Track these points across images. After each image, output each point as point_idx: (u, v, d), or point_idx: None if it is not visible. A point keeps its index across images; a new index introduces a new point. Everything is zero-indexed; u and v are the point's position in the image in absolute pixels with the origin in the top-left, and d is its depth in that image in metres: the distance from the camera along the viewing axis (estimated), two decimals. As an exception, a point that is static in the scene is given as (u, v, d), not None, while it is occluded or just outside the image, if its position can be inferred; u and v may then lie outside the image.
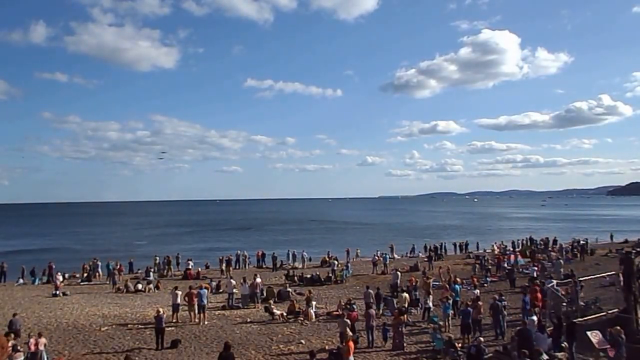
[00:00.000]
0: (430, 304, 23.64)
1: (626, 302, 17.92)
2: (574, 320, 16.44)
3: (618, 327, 15.06)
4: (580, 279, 24.25)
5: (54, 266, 40.85)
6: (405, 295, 24.63)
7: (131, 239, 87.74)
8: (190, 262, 41.51)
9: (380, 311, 25.11)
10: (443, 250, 52.42)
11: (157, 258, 44.10)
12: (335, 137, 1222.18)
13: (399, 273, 31.31)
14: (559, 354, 15.48)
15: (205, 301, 23.60)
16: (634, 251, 28.68)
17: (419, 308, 24.93)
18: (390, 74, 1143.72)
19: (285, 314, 24.20)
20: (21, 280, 38.65)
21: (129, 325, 22.47)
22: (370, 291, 28.42)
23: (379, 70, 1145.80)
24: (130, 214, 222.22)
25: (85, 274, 39.88)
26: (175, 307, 23.54)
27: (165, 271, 41.90)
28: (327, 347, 18.25)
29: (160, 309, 20.15)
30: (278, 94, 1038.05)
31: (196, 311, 23.35)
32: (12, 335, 16.77)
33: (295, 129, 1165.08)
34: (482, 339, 17.19)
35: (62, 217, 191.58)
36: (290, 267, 44.78)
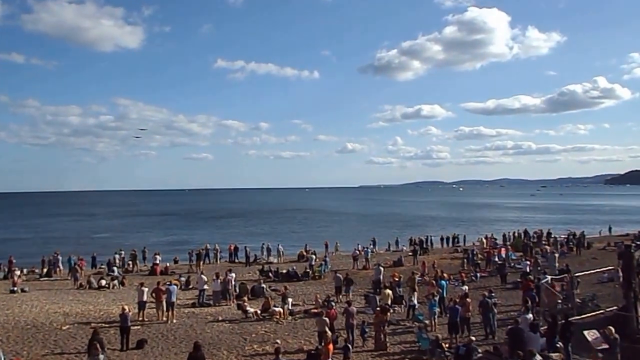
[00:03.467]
0: (415, 301, 23.66)
1: (625, 299, 18.02)
2: (570, 319, 16.50)
3: (611, 327, 15.21)
4: (577, 274, 24.38)
5: (14, 261, 40.18)
6: (388, 291, 24.66)
7: (94, 231, 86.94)
8: (157, 256, 41.08)
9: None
10: (429, 244, 52.52)
11: (122, 252, 43.76)
12: (312, 122, 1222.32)
13: (381, 268, 31.40)
14: (554, 355, 15.58)
15: (174, 298, 23.41)
16: (633, 244, 29.10)
17: (403, 305, 25.01)
18: (370, 54, 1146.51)
19: (259, 311, 24.15)
20: (-28, 276, 38.07)
21: (92, 324, 22.12)
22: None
23: (358, 51, 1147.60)
24: (93, 204, 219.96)
25: (45, 269, 39.35)
26: (142, 305, 23.35)
27: (131, 266, 41.50)
28: (304, 348, 18.27)
29: (126, 307, 19.89)
30: (250, 76, 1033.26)
31: (164, 309, 23.22)
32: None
33: (269, 114, 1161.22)
34: (473, 338, 17.30)
35: (20, 207, 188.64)
36: (264, 261, 44.74)
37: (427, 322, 21.19)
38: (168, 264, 41.73)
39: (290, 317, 23.68)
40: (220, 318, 23.92)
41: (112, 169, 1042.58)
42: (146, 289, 23.82)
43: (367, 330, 19.47)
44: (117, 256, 42.36)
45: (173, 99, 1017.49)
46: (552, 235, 52.43)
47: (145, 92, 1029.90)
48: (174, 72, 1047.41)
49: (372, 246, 50.00)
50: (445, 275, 28.95)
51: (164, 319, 23.04)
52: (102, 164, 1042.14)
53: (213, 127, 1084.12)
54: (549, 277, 24.35)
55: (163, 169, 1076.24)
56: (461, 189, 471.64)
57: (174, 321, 22.84)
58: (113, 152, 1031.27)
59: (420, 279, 30.61)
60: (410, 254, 44.85)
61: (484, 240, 51.37)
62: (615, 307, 19.47)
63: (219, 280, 27.97)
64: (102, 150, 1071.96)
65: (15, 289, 31.90)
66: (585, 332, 16.27)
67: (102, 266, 41.62)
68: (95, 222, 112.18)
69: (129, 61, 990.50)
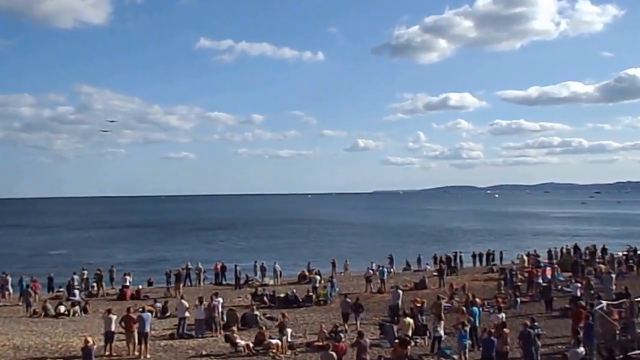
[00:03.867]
0: (442, 332, 23.53)
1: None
2: (630, 353, 16.43)
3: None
4: (638, 299, 24.23)
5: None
6: (409, 320, 24.36)
7: (51, 246, 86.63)
8: (127, 277, 41.05)
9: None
10: (458, 262, 52.81)
11: (85, 272, 43.72)
12: (315, 114, 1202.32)
13: (400, 292, 31.22)
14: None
15: (148, 328, 23.36)
16: None
17: (426, 337, 24.87)
18: (386, 32, 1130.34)
19: (251, 344, 24.02)
20: None
21: (48, 360, 22.20)
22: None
23: (372, 28, 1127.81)
24: (49, 213, 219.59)
25: (-10, 293, 39.52)
26: (109, 336, 23.22)
27: (96, 289, 41.58)
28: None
29: (89, 339, 19.89)
30: (240, 58, 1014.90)
31: (136, 341, 23.03)
32: None
33: (263, 104, 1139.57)
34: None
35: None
36: (258, 283, 44.79)
37: (455, 357, 21.12)
38: (140, 287, 41.64)
39: (289, 352, 23.53)
40: (204, 352, 23.77)
41: (73, 171, 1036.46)
42: (114, 317, 23.69)
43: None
44: (77, 277, 41.99)
45: (147, 86, 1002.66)
46: (608, 252, 51.78)
47: (113, 78, 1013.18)
48: (147, 54, 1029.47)
49: (388, 265, 50.30)
50: (477, 300, 28.70)
51: (136, 353, 22.88)
52: (60, 165, 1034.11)
53: (195, 120, 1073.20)
54: (604, 303, 24.09)
55: (134, 171, 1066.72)
56: (497, 196, 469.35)
57: (148, 356, 22.72)
58: (74, 150, 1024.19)
59: (447, 304, 30.43)
60: (435, 274, 44.79)
61: (525, 258, 50.99)
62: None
63: (203, 307, 27.67)
64: (60, 148, 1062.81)
65: (-44, 317, 31.90)
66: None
67: (61, 289, 41.60)
68: (53, 235, 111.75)
69: (93, 40, 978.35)
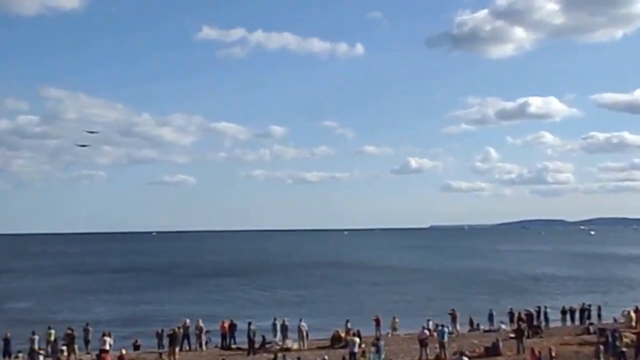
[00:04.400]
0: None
1: None
2: None
3: None
4: None
5: None
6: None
7: (8, 297, 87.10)
8: (107, 338, 40.66)
9: None
10: (542, 320, 52.29)
11: (53, 331, 43.42)
12: (353, 126, 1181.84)
13: (465, 358, 31.00)
14: None
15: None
16: None
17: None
18: (445, 17, 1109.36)
19: None
20: None
21: None
22: None
23: (426, 12, 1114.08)
24: (5, 253, 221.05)
25: None
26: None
27: (66, 354, 41.36)
28: None
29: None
30: (255, 52, 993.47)
31: None
32: None
33: (285, 112, 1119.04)
34: None
35: None
36: (278, 347, 44.53)
37: None
38: (124, 351, 41.27)
39: None
40: None
41: (37, 199, 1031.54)
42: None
43: None
44: (36, 337, 41.58)
45: (133, 89, 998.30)
46: None
47: (89, 78, 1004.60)
48: (134, 47, 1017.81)
49: (450, 323, 49.80)
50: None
51: None
52: (20, 192, 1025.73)
53: (196, 134, 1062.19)
54: None
55: (117, 199, 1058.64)
56: (593, 232, 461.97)
57: None
58: (38, 173, 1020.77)
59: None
60: (512, 336, 44.36)
61: (633, 315, 50.11)
62: None
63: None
64: (20, 170, 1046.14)
65: None
66: None
67: (20, 354, 41.61)
68: (10, 282, 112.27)
69: (64, 30, 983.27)
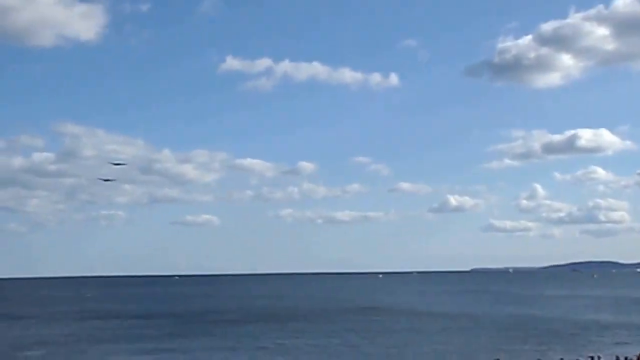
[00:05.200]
0: None
1: None
2: None
3: None
4: None
5: None
6: None
7: (22, 345, 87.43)
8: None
9: None
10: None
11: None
12: (387, 161, 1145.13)
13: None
14: None
15: None
16: None
17: None
18: (486, 45, 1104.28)
19: None
20: None
21: None
22: None
23: (466, 39, 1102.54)
24: (20, 299, 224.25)
25: None
26: None
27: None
28: None
29: None
30: (282, 84, 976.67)
31: None
32: None
33: (314, 148, 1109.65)
34: None
35: None
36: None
37: None
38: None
39: None
40: None
41: (52, 241, 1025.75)
42: None
43: None
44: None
45: (153, 124, 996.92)
46: None
47: (108, 114, 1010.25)
48: (154, 80, 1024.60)
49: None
50: None
51: None
52: (35, 234, 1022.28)
53: (220, 171, 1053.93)
54: None
55: (136, 241, 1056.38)
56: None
57: None
58: (54, 213, 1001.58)
59: None
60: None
61: None
62: None
63: None
64: (35, 210, 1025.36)
65: None
66: None
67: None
68: (25, 330, 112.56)
69: (80, 62, 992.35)
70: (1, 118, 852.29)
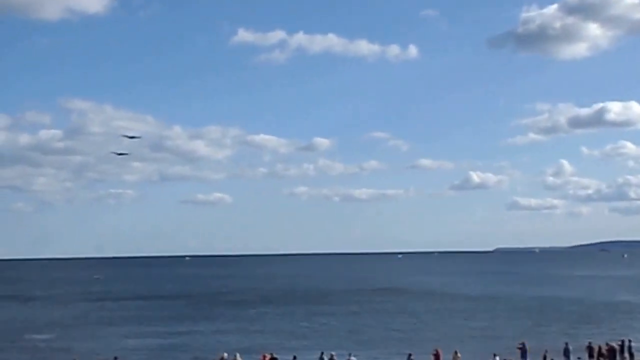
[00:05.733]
0: None
1: None
2: None
3: None
4: None
5: None
6: None
7: (30, 328, 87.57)
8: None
9: None
10: (627, 355, 51.19)
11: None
12: (406, 137, 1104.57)
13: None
14: None
15: None
16: None
17: None
18: (509, 14, 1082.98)
19: None
20: None
21: None
22: None
23: (488, 9, 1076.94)
24: (27, 280, 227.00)
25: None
26: None
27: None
28: None
29: None
30: (296, 56, 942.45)
31: None
32: None
33: (330, 123, 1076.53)
34: None
35: None
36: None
37: None
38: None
39: None
40: None
41: (60, 221, 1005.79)
42: None
43: None
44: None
45: (164, 99, 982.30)
46: None
47: (116, 89, 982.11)
48: (163, 54, 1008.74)
49: (519, 359, 50.06)
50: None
51: None
52: (42, 213, 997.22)
53: (232, 147, 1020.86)
54: None
55: (146, 220, 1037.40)
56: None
57: None
58: (61, 192, 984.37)
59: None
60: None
61: None
62: None
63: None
64: (42, 189, 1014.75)
65: None
66: None
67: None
68: (32, 312, 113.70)
69: (88, 36, 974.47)
70: (7, 94, 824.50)
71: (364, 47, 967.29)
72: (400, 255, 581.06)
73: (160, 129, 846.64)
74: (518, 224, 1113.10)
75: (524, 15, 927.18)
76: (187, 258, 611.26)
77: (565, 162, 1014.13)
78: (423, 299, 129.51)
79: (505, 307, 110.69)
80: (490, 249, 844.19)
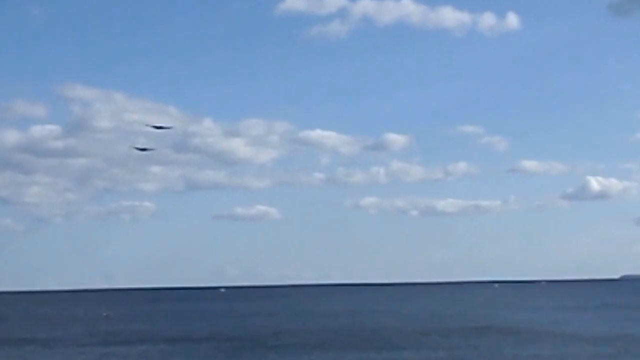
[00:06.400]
0: None
1: None
2: None
3: None
4: None
5: None
6: None
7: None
8: None
9: None
10: None
11: None
12: (504, 132, 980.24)
13: None
14: None
15: None
16: None
17: None
18: None
19: None
20: None
21: None
22: None
23: None
24: (20, 317, 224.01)
25: None
26: None
27: None
28: None
29: None
30: (361, 29, 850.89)
31: None
32: None
33: (407, 115, 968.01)
34: None
35: None
36: None
37: None
38: None
39: None
40: None
41: (59, 242, 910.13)
42: None
43: None
44: None
45: (190, 85, 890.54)
46: None
47: (129, 72, 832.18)
48: (191, 28, 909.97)
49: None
50: None
51: None
52: (36, 233, 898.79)
53: (281, 147, 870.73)
54: None
55: (169, 242, 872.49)
56: None
57: None
58: (60, 205, 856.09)
59: None
60: None
61: None
62: None
63: None
64: (35, 201, 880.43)
65: None
66: None
67: None
68: (29, 355, 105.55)
69: (93, 5, 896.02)
70: None
71: (449, 16, 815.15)
72: (497, 285, 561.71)
73: (187, 123, 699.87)
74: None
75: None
76: (222, 290, 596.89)
77: None
78: (529, 341, 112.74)
79: (637, 352, 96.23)
80: (615, 276, 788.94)
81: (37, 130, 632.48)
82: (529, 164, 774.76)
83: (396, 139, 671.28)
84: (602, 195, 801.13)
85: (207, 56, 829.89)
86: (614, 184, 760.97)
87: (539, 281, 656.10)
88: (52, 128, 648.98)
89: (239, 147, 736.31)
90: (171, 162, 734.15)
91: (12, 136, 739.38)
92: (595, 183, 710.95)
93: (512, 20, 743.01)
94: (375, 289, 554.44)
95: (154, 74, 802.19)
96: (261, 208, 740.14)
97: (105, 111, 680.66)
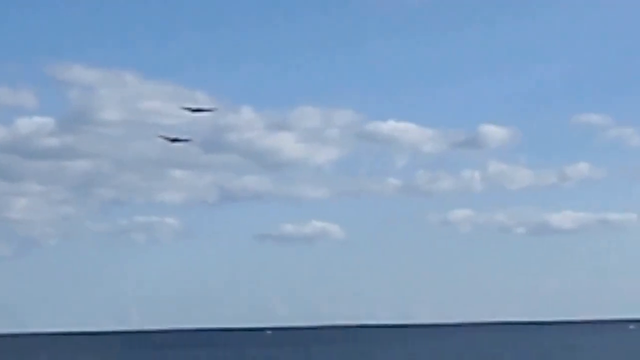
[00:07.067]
0: None
1: None
2: None
3: None
4: None
5: None
6: None
7: None
8: None
9: None
10: None
11: None
12: (638, 122, 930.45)
13: None
14: None
15: None
16: None
17: None
18: None
19: None
20: None
21: None
22: None
23: None
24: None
25: None
26: None
27: None
28: None
29: None
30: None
31: None
32: None
33: (507, 100, 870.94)
34: None
35: None
36: None
37: None
38: None
39: None
40: None
41: (54, 272, 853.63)
42: None
43: None
44: None
45: (222, 64, 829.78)
46: None
47: (143, 49, 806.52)
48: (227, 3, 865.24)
49: None
50: None
51: None
52: (25, 259, 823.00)
53: (343, 144, 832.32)
54: None
55: (199, 269, 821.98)
56: None
57: None
58: (55, 222, 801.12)
59: None
60: None
61: None
62: None
63: None
64: (24, 218, 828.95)
65: None
66: None
67: None
68: None
69: None
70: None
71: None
72: (632, 326, 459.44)
73: (219, 112, 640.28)
74: None
75: None
76: (268, 332, 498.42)
77: None
78: None
79: None
80: None
81: (24, 125, 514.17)
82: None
83: (495, 133, 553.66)
84: None
85: (246, 27, 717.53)
86: None
87: None
88: (44, 121, 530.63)
89: (288, 144, 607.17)
90: (200, 165, 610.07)
91: (2, 133, 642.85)
92: None
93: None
94: (470, 328, 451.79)
95: (174, 50, 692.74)
96: (318, 225, 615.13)
97: (112, 98, 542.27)
